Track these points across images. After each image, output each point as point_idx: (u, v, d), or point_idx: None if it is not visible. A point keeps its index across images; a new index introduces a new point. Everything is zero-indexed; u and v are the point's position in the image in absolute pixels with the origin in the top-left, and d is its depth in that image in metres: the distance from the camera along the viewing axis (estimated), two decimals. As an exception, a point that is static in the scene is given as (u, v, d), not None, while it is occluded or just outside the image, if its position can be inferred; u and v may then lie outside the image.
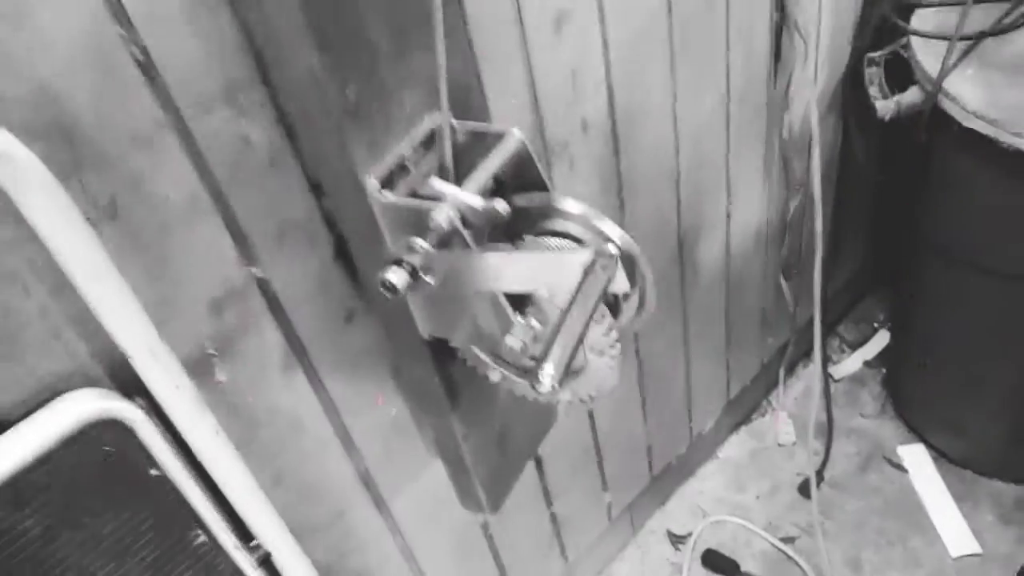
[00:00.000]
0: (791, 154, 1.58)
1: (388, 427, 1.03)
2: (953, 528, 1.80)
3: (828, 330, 2.16)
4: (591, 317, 0.57)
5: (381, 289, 0.67)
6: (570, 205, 0.71)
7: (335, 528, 1.03)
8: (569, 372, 0.75)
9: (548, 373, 0.53)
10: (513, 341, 0.71)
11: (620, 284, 0.59)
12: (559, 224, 0.73)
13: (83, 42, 0.62)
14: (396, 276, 0.66)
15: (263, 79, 0.71)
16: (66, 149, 0.63)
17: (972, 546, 1.76)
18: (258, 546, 0.89)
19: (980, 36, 1.43)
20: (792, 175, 1.63)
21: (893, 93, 1.52)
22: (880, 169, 1.78)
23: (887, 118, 1.51)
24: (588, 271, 0.56)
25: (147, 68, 0.65)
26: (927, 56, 1.44)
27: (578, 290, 0.55)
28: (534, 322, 0.73)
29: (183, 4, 0.65)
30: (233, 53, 0.69)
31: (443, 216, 0.64)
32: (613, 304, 0.78)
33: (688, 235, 1.44)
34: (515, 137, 0.70)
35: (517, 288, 0.62)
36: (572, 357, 0.55)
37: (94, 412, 0.71)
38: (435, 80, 0.66)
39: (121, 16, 0.62)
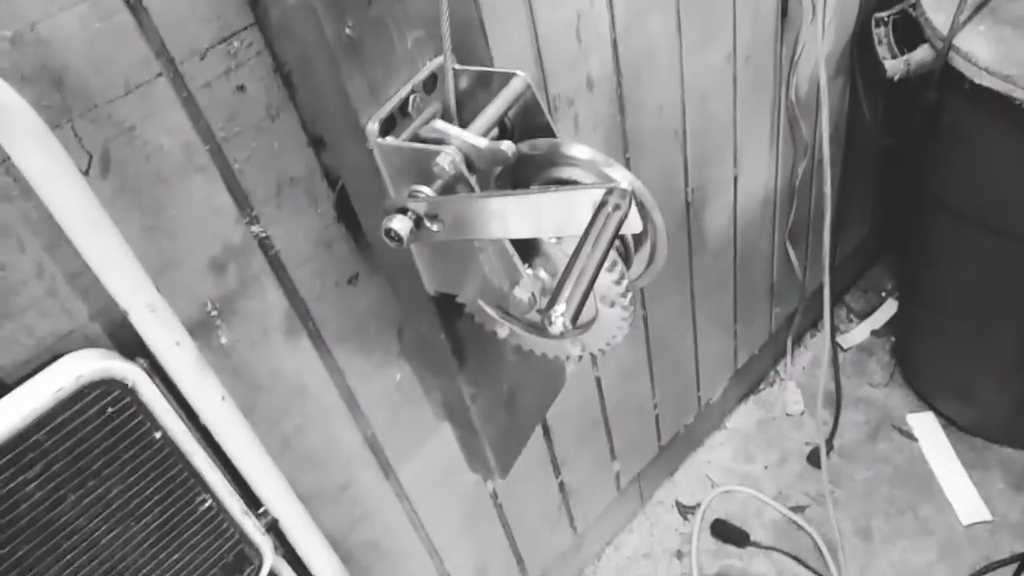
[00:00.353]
0: (798, 115, 1.55)
1: (395, 391, 1.01)
2: (963, 496, 1.78)
3: (836, 299, 2.15)
4: (603, 259, 0.54)
5: (385, 239, 0.65)
6: (578, 150, 0.69)
7: (343, 496, 1.02)
8: (580, 322, 0.73)
9: (559, 312, 0.51)
10: (521, 292, 0.69)
11: (633, 223, 0.57)
12: (566, 171, 0.71)
13: (71, -17, 0.59)
14: (401, 224, 0.64)
15: (258, 23, 0.69)
16: (57, 95, 0.61)
17: (983, 514, 1.75)
18: (266, 512, 0.87)
19: (992, -9, 1.40)
20: (799, 137, 1.61)
21: (902, 53, 1.49)
22: (889, 130, 1.75)
23: (896, 78, 1.48)
24: (599, 209, 0.54)
25: (137, 10, 0.63)
26: (937, 14, 1.41)
27: (589, 228, 0.53)
28: (543, 273, 0.71)
29: (174, -56, 0.63)
30: (227, -3, 0.67)
31: (447, 160, 0.62)
32: (624, 256, 0.76)
33: (695, 199, 1.42)
34: (520, 80, 0.68)
35: (525, 233, 0.60)
36: (584, 298, 0.53)
37: (94, 372, 0.69)
38: (437, 21, 0.63)
39: (110, -44, 0.60)
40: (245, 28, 0.69)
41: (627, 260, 0.73)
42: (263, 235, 0.79)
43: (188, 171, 0.71)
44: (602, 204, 0.55)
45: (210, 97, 0.70)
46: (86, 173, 0.65)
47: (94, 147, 0.64)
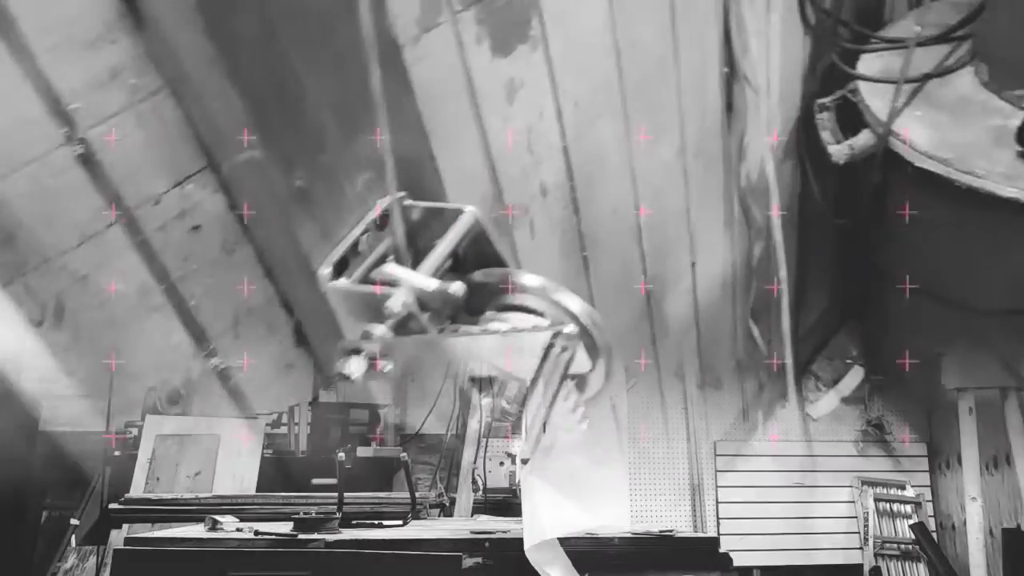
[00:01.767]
0: (751, 202, 1.59)
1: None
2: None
3: (802, 370, 2.16)
4: (555, 398, 0.55)
5: (339, 380, 0.65)
6: (528, 279, 0.70)
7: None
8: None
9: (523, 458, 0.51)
10: (474, 424, 0.69)
11: (581, 364, 0.58)
12: (519, 298, 0.72)
13: (23, 143, 0.61)
14: (355, 366, 0.64)
15: (211, 166, 0.70)
16: (9, 253, 0.61)
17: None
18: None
19: (925, 78, 1.47)
20: (753, 220, 1.65)
21: (846, 136, 1.55)
22: (840, 210, 1.80)
23: (842, 162, 1.53)
24: (548, 351, 0.55)
25: (90, 164, 0.64)
26: (875, 99, 1.47)
27: (539, 371, 0.54)
28: (502, 402, 0.72)
29: (125, 99, 0.64)
30: (180, 143, 0.68)
31: (398, 302, 0.63)
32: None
33: (655, 289, 1.44)
34: (470, 214, 0.69)
35: (478, 372, 0.61)
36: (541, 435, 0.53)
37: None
38: (384, 161, 0.65)
39: (61, 114, 0.62)
40: (199, 171, 0.70)
41: (583, 382, 0.74)
42: (221, 366, 0.80)
43: (143, 312, 0.71)
44: (550, 347, 0.56)
45: (165, 239, 0.71)
46: (40, 324, 0.65)
47: (47, 299, 0.65)
